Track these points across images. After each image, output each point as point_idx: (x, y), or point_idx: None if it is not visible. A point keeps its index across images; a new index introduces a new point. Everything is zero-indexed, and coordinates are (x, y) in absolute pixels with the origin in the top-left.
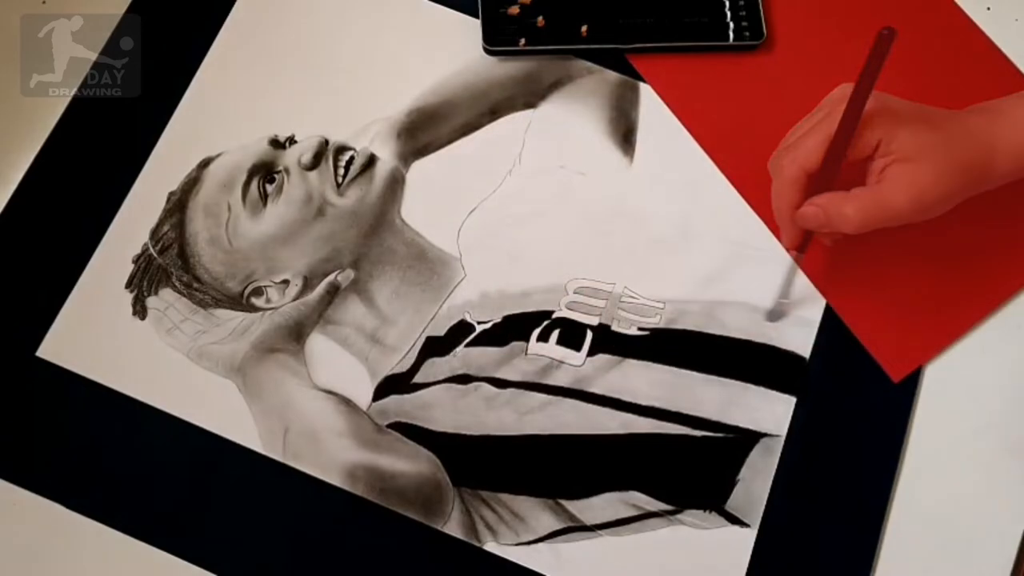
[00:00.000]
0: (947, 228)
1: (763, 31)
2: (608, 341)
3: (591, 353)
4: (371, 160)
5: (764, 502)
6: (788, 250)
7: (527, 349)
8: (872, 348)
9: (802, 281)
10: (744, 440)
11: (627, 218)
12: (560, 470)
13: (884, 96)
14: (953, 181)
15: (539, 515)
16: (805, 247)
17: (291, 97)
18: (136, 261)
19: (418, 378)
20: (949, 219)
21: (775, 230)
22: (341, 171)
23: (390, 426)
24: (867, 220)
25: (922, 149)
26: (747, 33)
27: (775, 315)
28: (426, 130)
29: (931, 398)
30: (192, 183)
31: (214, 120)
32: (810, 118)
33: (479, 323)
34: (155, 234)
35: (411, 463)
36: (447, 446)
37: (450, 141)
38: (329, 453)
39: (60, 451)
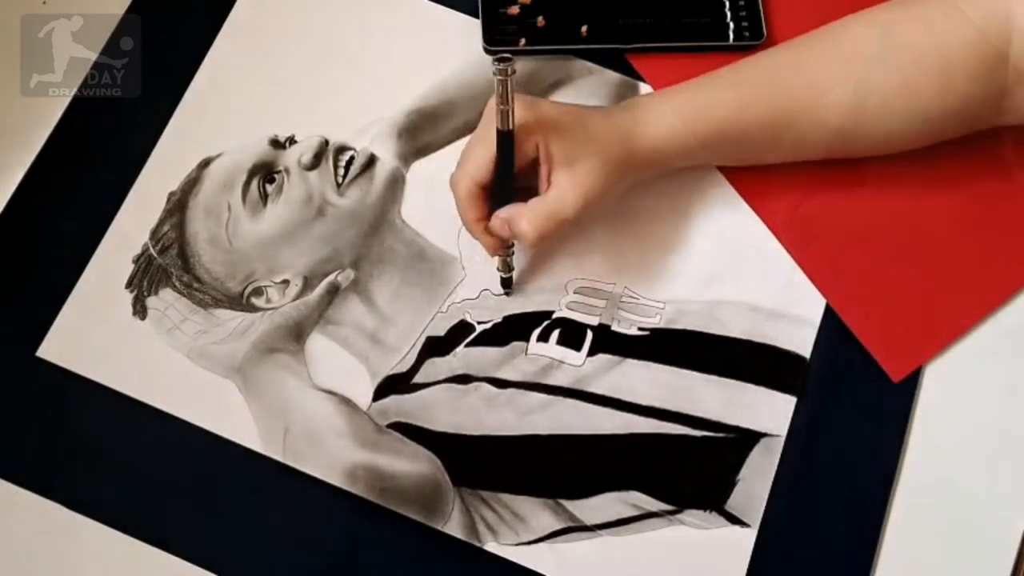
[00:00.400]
0: (947, 229)
1: (763, 31)
2: (608, 341)
3: (591, 353)
4: (371, 160)
5: (764, 502)
6: (492, 254)
7: (527, 349)
8: (872, 348)
9: (802, 280)
10: (744, 440)
11: (627, 218)
12: (560, 470)
13: (536, 103)
14: (608, 177)
15: (539, 515)
16: (510, 254)
17: (291, 97)
18: (136, 261)
19: (418, 378)
20: (949, 220)
21: (775, 230)
22: (341, 171)
23: (390, 426)
24: (542, 233)
25: (578, 152)
26: (747, 33)
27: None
28: (426, 130)
29: (931, 398)
30: (192, 183)
31: (214, 120)
32: (477, 133)
33: (479, 323)
34: (155, 234)
35: (411, 463)
36: (447, 446)
37: (450, 141)
38: (329, 453)
39: (60, 451)
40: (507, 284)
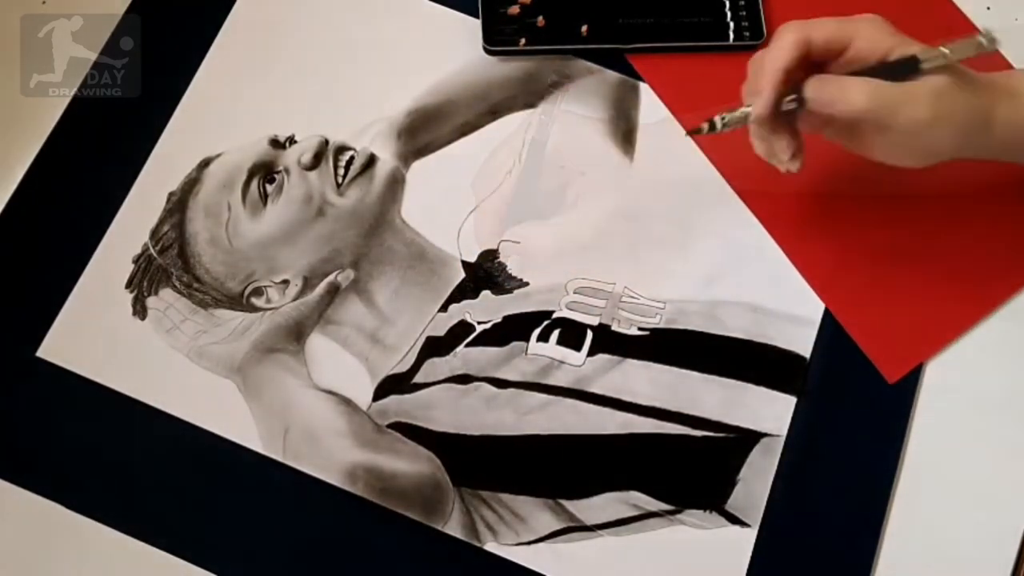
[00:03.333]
0: (945, 229)
1: (763, 31)
2: (608, 341)
3: (591, 353)
4: (371, 160)
5: (764, 502)
6: (759, 112)
7: (527, 349)
8: (867, 349)
9: (799, 281)
10: (744, 440)
11: (627, 218)
12: (560, 470)
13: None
14: (959, 127)
15: (539, 515)
16: (778, 113)
17: (291, 97)
18: (136, 261)
19: (418, 378)
20: (948, 220)
21: (774, 230)
22: (341, 171)
23: (390, 426)
24: (872, 110)
25: (952, 85)
26: (747, 33)
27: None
28: (426, 130)
29: (931, 398)
30: (192, 183)
31: (214, 120)
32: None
33: (479, 323)
34: (155, 234)
35: (411, 463)
36: (447, 446)
37: (450, 141)
38: (329, 453)
39: (60, 451)
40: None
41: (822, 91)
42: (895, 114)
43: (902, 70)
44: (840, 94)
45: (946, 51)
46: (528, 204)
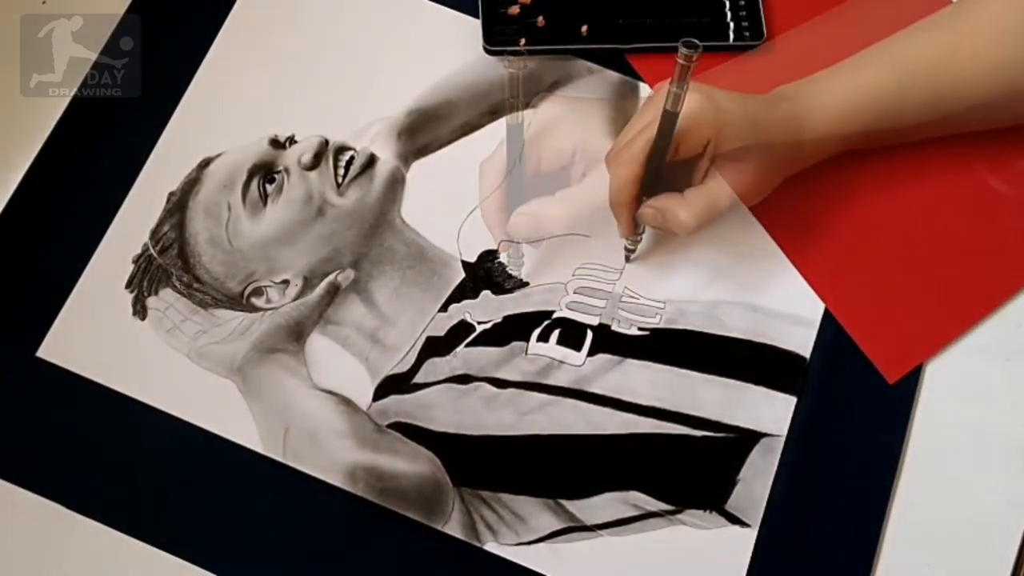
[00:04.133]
0: (946, 229)
1: (763, 31)
2: (608, 341)
3: (591, 353)
4: (371, 160)
5: (764, 502)
6: (623, 236)
7: (527, 349)
8: (867, 349)
9: (799, 281)
10: (744, 440)
11: None
12: (560, 470)
13: (713, 95)
14: (772, 176)
15: (539, 515)
16: (640, 234)
17: (291, 97)
18: (136, 261)
19: (418, 378)
20: (948, 220)
21: (775, 230)
22: (341, 171)
23: (390, 426)
24: (701, 224)
25: (746, 151)
26: (747, 33)
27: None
28: (426, 130)
29: (931, 398)
30: (192, 183)
31: (214, 120)
32: (643, 113)
33: (479, 323)
34: (155, 234)
35: (411, 463)
36: (447, 446)
37: (450, 141)
38: (329, 453)
39: (60, 451)
40: (628, 258)
41: (654, 224)
42: (721, 214)
43: (669, 127)
44: (666, 224)
45: (673, 88)
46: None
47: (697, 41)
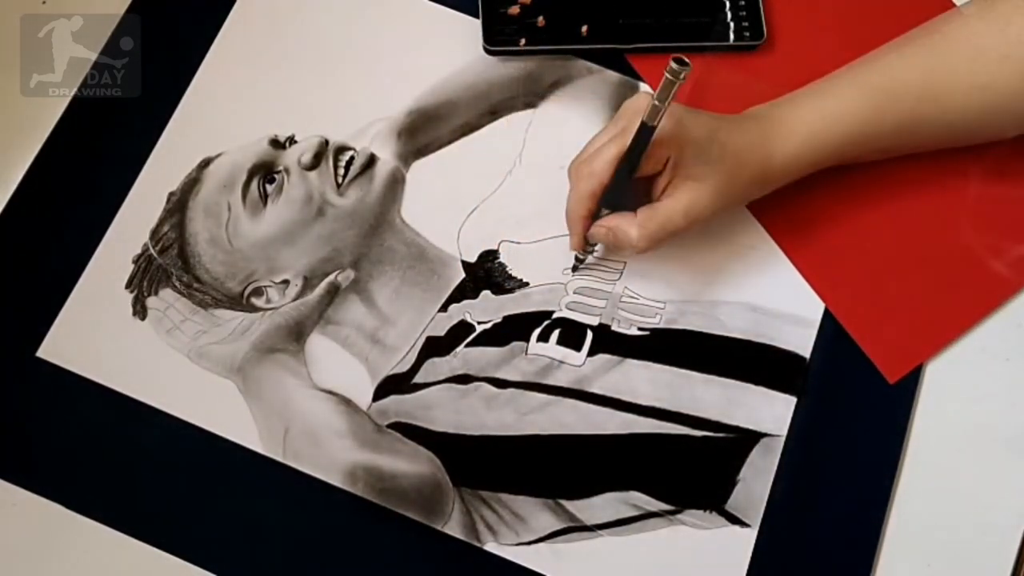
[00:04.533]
0: (945, 229)
1: (763, 31)
2: (608, 341)
3: (591, 353)
4: (371, 160)
5: (764, 502)
6: (574, 250)
7: (527, 349)
8: (868, 349)
9: (799, 281)
10: (744, 440)
11: None
12: (560, 470)
13: (679, 116)
14: (731, 198)
15: (539, 515)
16: (591, 248)
17: (291, 97)
18: (136, 261)
19: (418, 378)
20: (948, 220)
21: (774, 230)
22: (341, 171)
23: (390, 426)
24: (651, 244)
25: (709, 171)
26: (747, 33)
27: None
28: (426, 130)
29: (931, 398)
30: (192, 183)
31: (214, 120)
32: (609, 127)
33: (479, 323)
34: (155, 234)
35: (411, 463)
36: (447, 446)
37: (450, 141)
38: (329, 453)
39: (60, 451)
40: (576, 269)
41: (606, 242)
42: (674, 233)
43: (644, 140)
44: (617, 243)
45: (656, 102)
46: (528, 204)
47: (688, 60)
